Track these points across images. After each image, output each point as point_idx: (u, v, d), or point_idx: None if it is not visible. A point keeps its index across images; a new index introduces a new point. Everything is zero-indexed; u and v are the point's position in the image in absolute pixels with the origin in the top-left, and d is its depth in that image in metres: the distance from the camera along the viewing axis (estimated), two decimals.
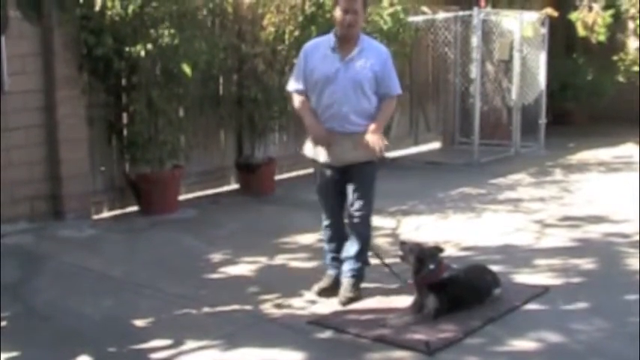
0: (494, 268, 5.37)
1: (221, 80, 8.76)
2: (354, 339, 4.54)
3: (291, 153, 9.03)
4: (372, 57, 5.06)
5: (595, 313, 4.91)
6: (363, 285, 5.27)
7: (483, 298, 4.97)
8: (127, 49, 7.25)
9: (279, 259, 6.23)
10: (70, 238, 6.93)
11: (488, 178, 9.58)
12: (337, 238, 5.34)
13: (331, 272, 5.37)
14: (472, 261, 5.83)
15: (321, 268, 5.61)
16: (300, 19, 8.64)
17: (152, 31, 7.31)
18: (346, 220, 5.29)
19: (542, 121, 11.86)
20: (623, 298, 5.20)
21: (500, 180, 9.48)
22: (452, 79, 11.91)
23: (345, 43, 5.06)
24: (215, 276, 5.86)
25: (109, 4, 7.20)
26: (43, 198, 7.34)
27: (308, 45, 5.29)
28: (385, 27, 9.61)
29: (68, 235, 7.03)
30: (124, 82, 7.69)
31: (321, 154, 5.19)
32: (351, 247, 5.22)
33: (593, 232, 6.92)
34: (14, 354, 4.37)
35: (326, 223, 5.40)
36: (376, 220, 6.13)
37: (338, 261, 5.32)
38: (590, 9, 13.12)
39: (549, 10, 11.64)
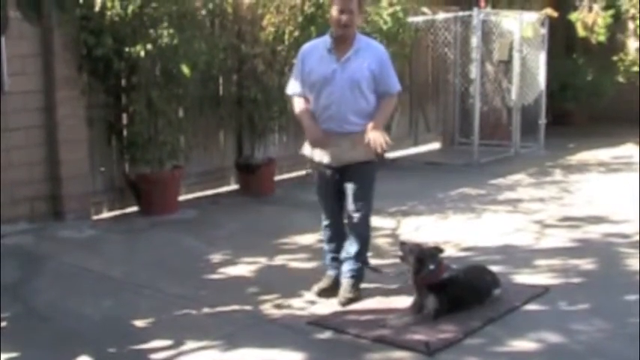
0: (494, 268, 5.38)
1: (221, 81, 8.76)
2: (353, 339, 4.54)
3: (291, 153, 9.02)
4: (368, 56, 5.07)
5: (595, 313, 4.91)
6: (363, 285, 5.27)
7: (483, 299, 4.97)
8: (127, 49, 7.25)
9: (279, 260, 6.23)
10: (69, 239, 6.93)
11: (488, 178, 9.58)
12: (337, 239, 5.34)
13: (331, 273, 5.37)
14: (472, 261, 5.83)
15: (320, 268, 5.61)
16: (300, 19, 8.65)
17: (152, 31, 7.31)
18: (345, 221, 5.29)
19: (542, 121, 11.86)
20: (623, 298, 5.20)
21: (500, 180, 9.48)
22: (452, 80, 11.91)
23: (341, 43, 5.07)
24: (215, 276, 5.86)
25: (109, 4, 7.20)
26: (43, 198, 7.34)
27: (305, 47, 5.30)
28: (385, 27, 9.62)
29: (68, 235, 7.03)
30: (123, 82, 7.69)
31: (320, 155, 5.19)
32: (350, 248, 5.22)
33: (593, 232, 6.92)
34: (14, 354, 4.37)
35: (325, 223, 5.40)
36: (376, 221, 6.14)
37: (338, 261, 5.32)
38: (590, 9, 13.13)
39: (549, 11, 11.64)
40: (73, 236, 7.01)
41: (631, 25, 13.58)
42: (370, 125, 4.99)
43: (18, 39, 6.85)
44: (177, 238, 7.01)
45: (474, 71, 11.09)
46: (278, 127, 9.10)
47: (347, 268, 5.23)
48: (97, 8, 7.19)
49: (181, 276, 5.83)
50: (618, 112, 13.43)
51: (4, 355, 4.31)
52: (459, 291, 4.84)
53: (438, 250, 4.94)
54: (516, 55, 11.17)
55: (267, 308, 5.09)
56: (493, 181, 9.41)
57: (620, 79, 13.56)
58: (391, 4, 9.73)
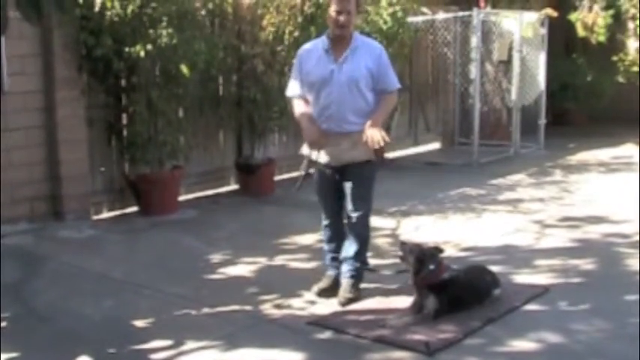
0: (494, 268, 5.37)
1: (220, 81, 8.76)
2: (353, 339, 4.54)
3: (291, 154, 9.01)
4: (365, 54, 5.07)
5: (595, 313, 4.91)
6: (363, 285, 5.27)
7: (483, 299, 4.97)
8: (127, 49, 7.25)
9: (279, 260, 6.23)
10: (69, 239, 6.93)
11: (488, 178, 9.58)
12: (337, 238, 5.34)
13: (331, 273, 5.38)
14: (472, 261, 5.83)
15: (320, 268, 5.61)
16: (300, 19, 8.65)
17: (151, 31, 7.31)
18: (345, 221, 5.30)
19: (542, 121, 11.87)
20: (623, 298, 5.20)
21: (500, 180, 9.48)
22: (451, 80, 11.91)
23: (339, 43, 5.08)
24: (215, 276, 5.86)
25: (109, 4, 7.20)
26: (43, 198, 7.35)
27: (302, 49, 5.32)
28: (385, 27, 9.62)
29: (68, 235, 7.03)
30: (123, 82, 7.69)
31: (319, 155, 5.19)
32: (349, 248, 5.22)
33: (593, 232, 6.92)
34: (14, 355, 4.37)
35: (325, 222, 5.41)
36: (376, 221, 6.14)
37: (338, 261, 5.32)
38: (590, 9, 13.12)
39: (549, 11, 11.64)
40: (73, 236, 7.01)
41: (631, 25, 13.57)
42: (368, 123, 4.99)
43: (18, 39, 6.86)
44: (177, 238, 7.01)
45: (473, 71, 11.08)
46: (278, 127, 9.10)
47: (346, 268, 5.23)
48: (96, 8, 7.20)
49: (181, 276, 5.83)
50: (618, 112, 13.44)
51: (4, 356, 4.31)
52: (458, 291, 4.84)
53: (437, 250, 4.94)
54: (516, 55, 11.16)
55: (267, 308, 5.08)
56: (493, 181, 9.41)
57: (620, 79, 13.55)
58: (391, 4, 9.73)
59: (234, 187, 9.04)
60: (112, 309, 5.17)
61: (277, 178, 9.09)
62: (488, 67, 11.79)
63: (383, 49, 5.25)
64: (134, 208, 7.93)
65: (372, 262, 5.61)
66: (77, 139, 7.47)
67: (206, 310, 5.08)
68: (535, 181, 9.51)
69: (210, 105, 8.61)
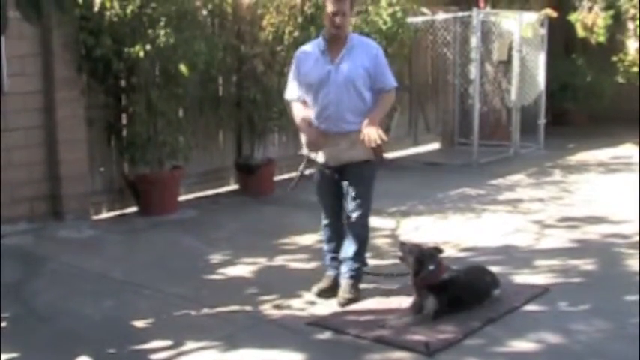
0: (494, 268, 5.37)
1: (220, 81, 8.76)
2: (353, 340, 4.54)
3: (291, 154, 9.02)
4: (361, 54, 5.08)
5: (595, 313, 4.91)
6: (363, 286, 5.27)
7: (483, 299, 4.97)
8: (126, 50, 7.25)
9: (279, 260, 6.23)
10: (69, 239, 6.94)
11: (488, 178, 9.58)
12: (336, 238, 5.35)
13: (330, 273, 5.38)
14: (471, 262, 5.83)
15: (320, 268, 5.61)
16: (300, 19, 8.65)
17: (151, 31, 7.31)
18: (345, 220, 5.30)
19: (542, 121, 11.87)
20: (622, 298, 5.20)
21: (500, 181, 9.48)
22: (451, 80, 11.91)
23: (335, 44, 5.10)
24: (214, 277, 5.86)
25: (108, 4, 7.21)
26: (43, 199, 7.35)
27: (299, 51, 5.34)
28: (384, 27, 9.62)
29: (68, 235, 7.03)
30: (123, 82, 7.70)
31: (318, 155, 5.20)
32: (349, 248, 5.22)
33: (593, 232, 6.92)
34: (14, 355, 4.37)
35: (325, 222, 5.41)
36: (375, 221, 6.14)
37: (337, 261, 5.32)
38: (590, 10, 13.13)
39: (549, 11, 11.65)
40: (73, 236, 7.01)
41: (630, 26, 13.58)
42: (365, 122, 5.00)
43: (18, 39, 6.86)
44: (177, 238, 7.01)
45: (473, 71, 11.08)
46: (277, 127, 9.10)
47: (346, 268, 5.23)
48: (96, 9, 7.20)
49: (181, 276, 5.83)
50: (618, 112, 13.44)
51: (4, 356, 4.31)
52: (458, 291, 4.84)
53: (437, 250, 4.94)
54: (516, 56, 11.17)
55: (267, 309, 5.08)
56: (493, 182, 9.41)
57: (620, 79, 13.56)
58: (391, 5, 9.73)
59: (233, 187, 9.05)
60: (111, 309, 5.17)
61: (277, 178, 9.09)
62: (488, 68, 11.79)
63: (379, 48, 5.26)
64: (134, 209, 7.93)
65: (372, 262, 5.61)
66: (77, 139, 7.47)
67: (206, 310, 5.08)
68: (535, 181, 9.51)
69: (210, 105, 8.61)
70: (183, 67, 7.42)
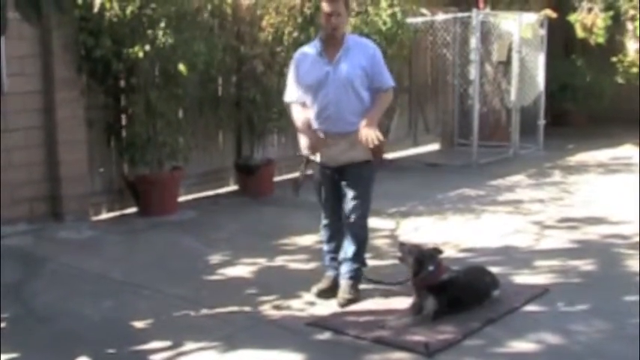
0: (494, 269, 5.37)
1: (220, 81, 8.76)
2: (353, 340, 4.54)
3: (290, 154, 9.02)
4: (358, 54, 5.10)
5: (594, 314, 4.91)
6: (362, 286, 5.27)
7: (482, 300, 4.97)
8: (126, 50, 7.25)
9: (278, 261, 6.22)
10: (69, 240, 6.93)
11: (487, 179, 9.58)
12: (336, 238, 5.34)
13: (330, 273, 5.38)
14: (471, 262, 5.84)
15: (320, 269, 5.61)
16: (299, 20, 8.65)
17: (150, 32, 7.31)
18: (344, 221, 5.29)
19: (541, 122, 11.87)
20: (622, 299, 5.20)
21: (499, 181, 9.48)
22: (451, 81, 11.90)
23: (331, 45, 5.11)
24: (214, 277, 5.86)
25: (108, 5, 7.20)
26: (43, 199, 7.35)
27: (297, 53, 5.35)
28: (384, 28, 9.61)
29: (67, 236, 7.03)
30: (122, 83, 7.70)
31: (318, 155, 5.20)
32: (348, 249, 5.22)
33: (593, 233, 6.92)
34: (14, 355, 4.37)
35: (324, 222, 5.41)
36: (375, 222, 6.14)
37: (337, 262, 5.32)
38: (590, 11, 13.13)
39: (548, 12, 11.65)
40: (72, 237, 7.01)
41: (630, 27, 13.58)
42: (363, 123, 5.00)
43: (17, 40, 6.86)
44: (177, 239, 7.01)
45: (473, 72, 11.08)
46: (277, 128, 9.10)
47: (345, 269, 5.23)
48: (95, 9, 7.18)
49: (180, 277, 5.83)
50: (617, 113, 13.44)
51: (3, 356, 4.31)
52: (458, 292, 4.84)
53: (437, 251, 4.94)
54: (515, 56, 11.17)
55: (267, 309, 5.08)
56: (492, 182, 9.41)
57: (619, 80, 13.56)
58: (391, 5, 9.73)
59: (233, 187, 9.04)
60: (111, 310, 5.17)
61: (276, 178, 9.09)
62: (488, 68, 11.79)
63: (376, 47, 5.28)
64: (133, 209, 7.93)
65: (371, 263, 5.60)
66: (76, 139, 7.47)
67: (205, 310, 5.08)
68: (534, 182, 9.51)
69: (210, 106, 8.61)
70: (182, 68, 7.42)
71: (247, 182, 8.81)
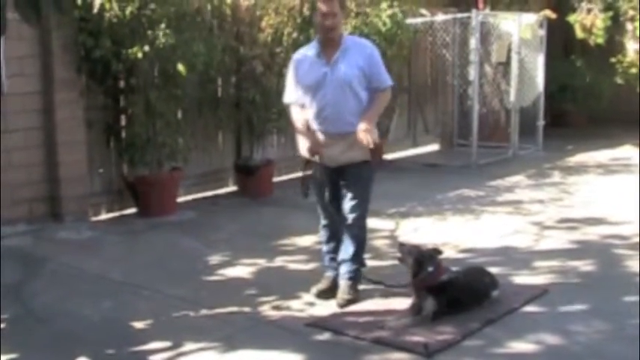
0: (493, 270, 5.37)
1: (219, 82, 8.75)
2: (352, 341, 4.54)
3: (290, 155, 9.02)
4: (355, 54, 5.10)
5: (594, 315, 4.92)
6: (361, 287, 5.27)
7: (482, 300, 4.97)
8: (125, 51, 7.25)
9: (278, 261, 6.23)
10: (68, 240, 6.93)
11: (487, 180, 9.58)
12: (335, 239, 5.35)
13: (329, 274, 5.38)
14: (470, 263, 5.84)
15: (319, 270, 5.61)
16: (299, 21, 8.65)
17: (150, 32, 7.31)
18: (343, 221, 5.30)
19: (541, 123, 11.87)
20: (622, 299, 5.20)
21: (499, 182, 9.48)
22: (450, 81, 11.90)
23: (328, 46, 5.12)
24: (213, 278, 5.86)
25: (107, 6, 7.20)
26: (42, 200, 7.35)
27: (296, 55, 5.37)
28: (384, 29, 9.61)
29: (67, 236, 7.03)
30: (122, 84, 7.70)
31: (318, 155, 5.21)
32: (347, 250, 5.22)
33: (592, 234, 6.92)
34: (13, 356, 4.37)
35: (323, 223, 5.41)
36: (374, 222, 6.14)
37: (336, 262, 5.32)
38: (589, 11, 13.13)
39: (548, 12, 11.65)
40: (72, 237, 7.01)
41: (629, 27, 13.57)
42: (361, 123, 5.01)
43: (17, 40, 6.86)
44: (176, 239, 7.01)
45: (472, 73, 11.08)
46: (277, 128, 9.10)
47: (344, 269, 5.23)
48: (95, 10, 7.18)
49: (180, 277, 5.83)
50: (617, 113, 13.44)
51: (3, 356, 4.31)
52: (457, 292, 4.84)
53: (436, 251, 4.94)
54: (515, 57, 11.17)
55: (266, 310, 5.08)
56: (492, 183, 9.41)
57: (619, 80, 13.55)
58: (390, 6, 9.73)
59: (232, 188, 9.04)
60: (110, 310, 5.17)
61: (276, 179, 9.10)
62: (487, 69, 11.78)
63: (374, 47, 5.29)
64: (133, 210, 7.93)
65: (371, 263, 5.61)
66: (76, 140, 7.46)
67: (205, 311, 5.08)
68: (534, 182, 9.51)
69: (209, 106, 8.61)
70: (182, 68, 7.42)
71: (247, 183, 8.81)
